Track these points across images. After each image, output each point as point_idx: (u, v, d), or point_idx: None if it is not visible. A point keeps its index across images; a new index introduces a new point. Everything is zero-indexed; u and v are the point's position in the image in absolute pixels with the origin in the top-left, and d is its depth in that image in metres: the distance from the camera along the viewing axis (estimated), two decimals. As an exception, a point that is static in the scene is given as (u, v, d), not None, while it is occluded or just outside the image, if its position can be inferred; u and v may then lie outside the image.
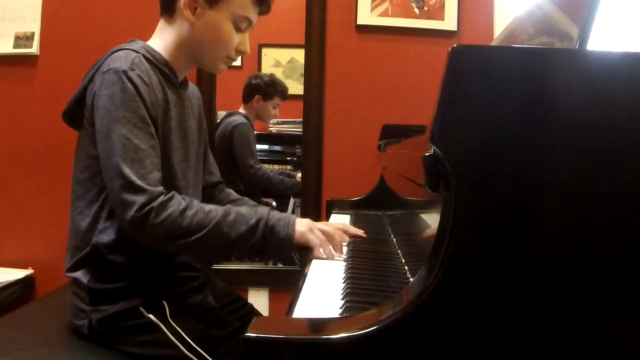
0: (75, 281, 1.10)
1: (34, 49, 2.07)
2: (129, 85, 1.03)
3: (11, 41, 2.07)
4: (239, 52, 1.21)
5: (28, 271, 2.06)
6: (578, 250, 0.62)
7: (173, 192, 1.05)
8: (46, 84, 2.08)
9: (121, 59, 1.06)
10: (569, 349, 0.62)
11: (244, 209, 1.08)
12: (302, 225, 1.08)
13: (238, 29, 1.18)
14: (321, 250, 1.08)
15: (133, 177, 0.99)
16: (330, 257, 1.08)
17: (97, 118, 1.04)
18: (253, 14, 1.19)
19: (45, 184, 2.08)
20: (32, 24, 2.07)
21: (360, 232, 1.24)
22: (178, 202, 1.02)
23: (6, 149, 2.09)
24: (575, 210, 0.62)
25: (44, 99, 2.07)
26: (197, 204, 1.05)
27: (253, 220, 1.04)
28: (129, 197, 0.99)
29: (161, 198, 1.00)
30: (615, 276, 0.62)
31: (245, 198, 1.42)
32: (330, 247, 1.10)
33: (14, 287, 1.96)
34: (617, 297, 0.62)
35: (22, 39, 2.07)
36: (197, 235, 1.01)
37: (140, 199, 0.99)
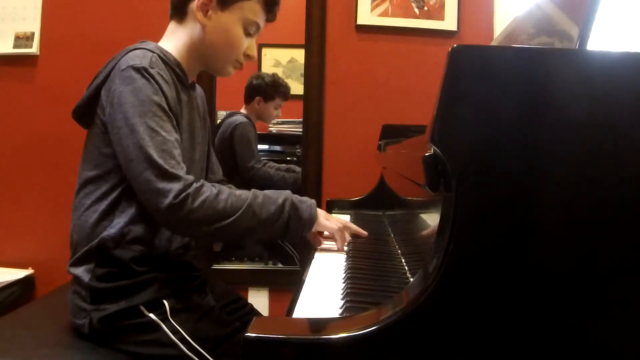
0: (76, 280, 1.11)
1: (34, 49, 2.07)
2: (152, 81, 1.05)
3: (11, 41, 2.07)
4: (247, 56, 1.24)
5: (28, 271, 2.06)
6: (578, 250, 0.62)
7: (202, 180, 1.07)
8: (46, 84, 2.08)
9: (139, 57, 1.07)
10: (569, 349, 0.62)
11: (268, 191, 1.11)
12: (322, 213, 1.16)
13: (247, 34, 1.21)
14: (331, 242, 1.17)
15: (166, 166, 1.01)
16: (340, 248, 1.16)
17: (120, 114, 1.04)
18: (261, 20, 1.22)
19: (45, 184, 2.08)
20: (32, 24, 2.07)
21: (362, 231, 1.26)
22: (210, 187, 1.05)
23: (6, 149, 2.09)
24: (575, 210, 0.62)
25: (44, 99, 2.07)
26: (226, 188, 1.08)
27: (280, 200, 1.08)
28: (164, 185, 1.01)
29: (195, 184, 1.03)
30: (615, 276, 0.62)
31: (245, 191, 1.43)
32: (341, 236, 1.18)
33: (14, 287, 1.96)
34: (618, 297, 0.62)
35: (22, 39, 2.07)
36: (232, 218, 1.04)
37: (176, 187, 1.01)
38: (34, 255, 2.08)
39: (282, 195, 1.10)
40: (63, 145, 2.02)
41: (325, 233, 1.20)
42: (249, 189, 1.12)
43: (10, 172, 2.10)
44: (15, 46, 2.07)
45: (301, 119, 2.12)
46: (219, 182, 1.41)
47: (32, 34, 2.07)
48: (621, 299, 0.62)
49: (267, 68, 2.67)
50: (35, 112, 2.08)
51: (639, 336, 0.62)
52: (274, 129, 2.74)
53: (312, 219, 1.11)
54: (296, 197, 1.11)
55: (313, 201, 1.13)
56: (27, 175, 2.09)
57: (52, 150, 2.06)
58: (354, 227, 1.25)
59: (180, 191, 1.01)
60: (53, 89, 2.06)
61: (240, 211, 1.04)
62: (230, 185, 1.43)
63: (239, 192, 1.08)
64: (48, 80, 2.08)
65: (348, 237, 1.21)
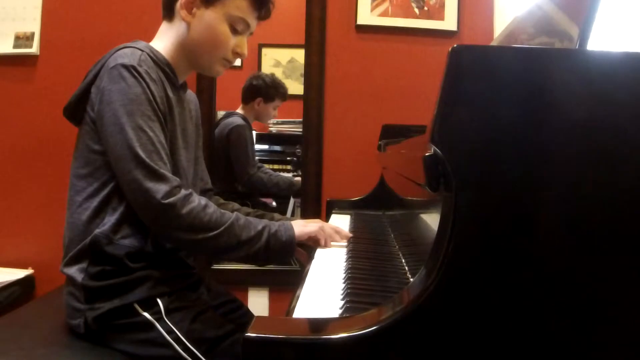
0: (70, 280, 1.11)
1: (34, 49, 2.06)
2: (140, 80, 1.05)
3: (11, 41, 2.07)
4: (236, 54, 1.23)
5: (28, 271, 2.06)
6: (578, 250, 0.62)
7: (191, 189, 1.09)
8: (46, 84, 2.08)
9: (128, 56, 1.08)
10: (569, 349, 0.62)
11: (251, 217, 1.15)
12: (298, 225, 1.17)
13: (234, 31, 1.20)
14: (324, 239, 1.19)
15: (155, 165, 1.03)
16: (328, 244, 1.20)
17: (108, 112, 1.05)
18: (250, 17, 1.20)
19: (45, 184, 2.08)
20: (32, 24, 2.07)
21: (343, 231, 1.28)
22: (198, 198, 1.07)
23: (6, 149, 2.09)
24: (575, 211, 0.62)
25: (44, 99, 2.07)
26: (212, 203, 1.10)
27: (260, 227, 1.11)
28: (152, 185, 1.02)
29: (184, 191, 1.05)
30: (615, 276, 0.62)
31: (232, 203, 1.45)
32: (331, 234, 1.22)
33: (14, 287, 1.96)
34: (618, 298, 0.62)
35: (22, 39, 2.07)
36: (215, 232, 1.06)
37: (164, 187, 1.02)
38: (34, 255, 2.08)
39: (262, 222, 1.13)
40: (63, 145, 2.01)
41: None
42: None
43: (10, 172, 2.09)
44: (15, 46, 2.06)
45: (301, 119, 2.12)
46: (206, 190, 1.42)
47: (32, 34, 2.06)
48: (621, 300, 0.62)
49: (267, 68, 2.67)
50: (35, 112, 2.07)
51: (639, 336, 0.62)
52: (274, 129, 2.74)
53: (292, 239, 1.13)
54: (274, 223, 1.14)
55: (290, 223, 1.17)
56: (27, 175, 2.09)
57: (52, 150, 2.06)
58: (344, 232, 1.26)
59: (169, 193, 1.02)
60: (53, 89, 2.05)
61: (223, 227, 1.06)
62: (217, 198, 1.44)
63: (222, 210, 1.10)
64: (48, 81, 2.07)
65: (338, 239, 1.22)
